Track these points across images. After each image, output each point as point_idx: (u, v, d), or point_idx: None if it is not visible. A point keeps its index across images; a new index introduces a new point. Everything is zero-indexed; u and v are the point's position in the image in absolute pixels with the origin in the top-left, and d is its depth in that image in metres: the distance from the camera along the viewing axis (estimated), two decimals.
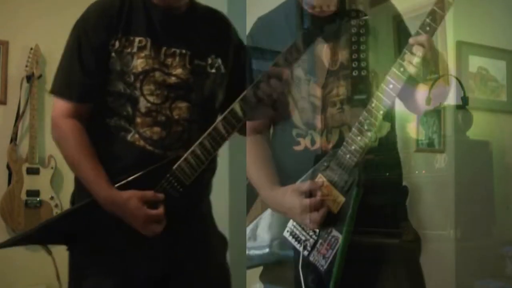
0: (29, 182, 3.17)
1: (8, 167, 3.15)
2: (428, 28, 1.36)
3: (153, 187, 1.52)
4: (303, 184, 1.51)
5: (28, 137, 3.19)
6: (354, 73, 1.50)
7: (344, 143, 1.44)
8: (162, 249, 1.54)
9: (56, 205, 3.21)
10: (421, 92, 1.48)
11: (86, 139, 1.55)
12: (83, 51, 1.55)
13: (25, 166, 3.17)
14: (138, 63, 1.54)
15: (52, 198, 3.21)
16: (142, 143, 1.54)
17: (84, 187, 1.55)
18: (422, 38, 1.35)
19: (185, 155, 1.53)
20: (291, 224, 1.53)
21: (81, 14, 1.60)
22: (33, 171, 3.18)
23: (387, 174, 1.55)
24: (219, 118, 1.53)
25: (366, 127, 1.41)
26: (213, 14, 1.71)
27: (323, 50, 1.54)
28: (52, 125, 1.59)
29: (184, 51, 1.58)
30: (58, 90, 1.60)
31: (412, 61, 1.35)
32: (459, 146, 2.53)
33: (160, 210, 1.50)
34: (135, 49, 1.54)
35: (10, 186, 3.13)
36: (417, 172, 2.53)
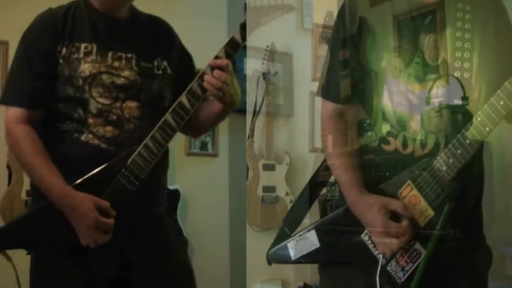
0: (29, 182, 3.17)
1: (8, 167, 3.15)
2: None
3: (109, 184, 1.56)
4: (393, 202, 1.40)
5: None
6: (456, 74, 1.39)
7: (442, 154, 1.35)
8: (116, 248, 1.56)
9: None
10: None
11: (39, 142, 1.59)
12: (32, 59, 1.61)
13: None
14: (86, 67, 1.59)
15: None
16: (96, 141, 1.59)
17: (41, 193, 1.57)
18: None
19: (138, 148, 1.58)
20: None
21: (28, 25, 1.67)
22: None
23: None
24: (169, 111, 1.60)
25: (468, 142, 1.31)
26: (155, 21, 1.79)
27: (425, 41, 1.43)
28: (6, 133, 1.62)
29: (130, 55, 1.65)
30: (9, 98, 1.64)
31: None
32: None
33: (111, 220, 1.53)
34: (81, 55, 1.60)
35: (10, 186, 3.12)
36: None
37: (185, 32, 1.89)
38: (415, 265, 1.37)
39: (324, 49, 1.99)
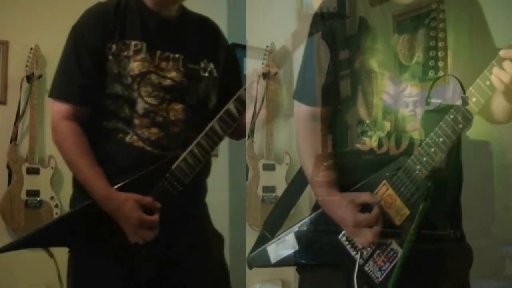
0: (29, 182, 3.17)
1: (8, 167, 3.14)
2: None
3: (153, 187, 1.54)
4: (360, 195, 1.42)
5: (28, 137, 3.19)
6: (430, 73, 1.40)
7: (416, 153, 1.35)
8: (160, 249, 1.55)
9: (56, 205, 3.20)
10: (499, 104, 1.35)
11: (85, 141, 1.57)
12: (81, 54, 1.58)
13: (25, 166, 3.16)
14: (135, 66, 1.57)
15: (52, 198, 3.20)
16: (140, 144, 1.57)
17: (83, 190, 1.56)
18: None
19: (183, 154, 1.56)
20: None
21: (78, 19, 1.63)
22: (33, 171, 3.18)
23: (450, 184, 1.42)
24: (215, 118, 1.57)
25: (442, 140, 1.31)
26: (204, 21, 1.76)
27: (399, 42, 1.43)
28: (52, 128, 1.61)
29: (177, 55, 1.62)
30: (57, 93, 1.62)
31: (502, 77, 1.21)
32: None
33: (155, 217, 1.52)
34: (131, 52, 1.58)
35: (10, 186, 3.12)
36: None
37: None
38: (392, 264, 1.37)
39: None
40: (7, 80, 3.22)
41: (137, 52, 1.58)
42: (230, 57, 1.78)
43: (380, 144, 1.43)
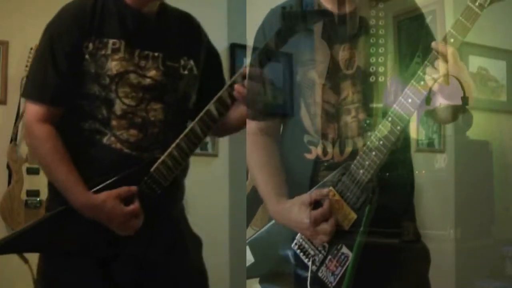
0: (29, 182, 3.17)
1: (8, 167, 3.14)
2: (452, 40, 1.24)
3: None
4: (309, 195, 1.44)
5: None
6: (371, 79, 1.42)
7: (358, 157, 1.38)
8: (139, 251, 1.54)
9: None
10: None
11: (61, 145, 1.53)
12: (57, 53, 1.54)
13: (25, 166, 3.16)
14: (113, 65, 1.52)
15: None
16: (119, 145, 1.53)
17: (59, 193, 1.52)
18: (446, 51, 1.24)
19: (162, 157, 1.53)
20: (299, 236, 1.49)
21: (53, 17, 1.59)
22: (33, 171, 3.17)
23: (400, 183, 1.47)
24: (196, 119, 1.53)
25: (382, 142, 1.34)
26: (184, 17, 1.71)
27: (339, 51, 1.46)
28: (27, 131, 1.57)
29: (157, 53, 1.57)
30: (31, 93, 1.57)
31: (434, 76, 1.26)
32: (459, 146, 2.53)
33: (136, 204, 1.49)
34: (109, 51, 1.53)
35: (10, 186, 3.12)
36: (417, 172, 2.53)
37: None
38: (344, 268, 1.39)
39: None
40: (7, 80, 3.22)
41: (115, 51, 1.53)
42: (212, 55, 1.73)
43: (325, 152, 1.46)
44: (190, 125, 1.53)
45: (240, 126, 1.72)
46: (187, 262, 1.65)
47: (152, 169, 1.52)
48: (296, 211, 1.44)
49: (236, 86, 1.48)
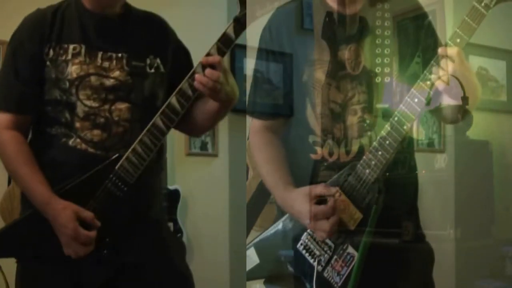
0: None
1: None
2: (458, 40, 1.26)
3: (97, 189, 1.53)
4: (315, 187, 1.46)
5: None
6: (377, 80, 1.44)
7: (364, 157, 1.39)
8: (110, 252, 1.54)
9: None
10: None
11: (26, 148, 1.56)
12: (19, 62, 1.57)
13: None
14: (73, 70, 1.55)
15: None
16: (84, 146, 1.56)
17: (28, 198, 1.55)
18: (452, 51, 1.25)
19: (126, 153, 1.54)
20: (305, 237, 1.49)
21: (17, 27, 1.63)
22: None
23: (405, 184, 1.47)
24: (157, 113, 1.54)
25: (388, 142, 1.35)
26: (149, 17, 1.73)
27: (345, 52, 1.48)
28: None
29: (120, 54, 1.59)
30: None
31: (440, 75, 1.27)
32: (459, 146, 2.53)
33: (92, 233, 1.48)
34: (69, 56, 1.56)
35: (10, 186, 3.11)
36: (417, 172, 2.53)
37: (184, 23, 1.86)
38: (350, 268, 1.40)
39: None
40: None
41: (75, 55, 1.56)
42: (180, 53, 1.74)
43: (330, 152, 1.47)
44: (153, 119, 1.54)
45: (211, 121, 1.71)
46: (169, 265, 1.64)
47: (116, 167, 1.54)
48: (300, 201, 1.46)
49: (196, 76, 1.49)
